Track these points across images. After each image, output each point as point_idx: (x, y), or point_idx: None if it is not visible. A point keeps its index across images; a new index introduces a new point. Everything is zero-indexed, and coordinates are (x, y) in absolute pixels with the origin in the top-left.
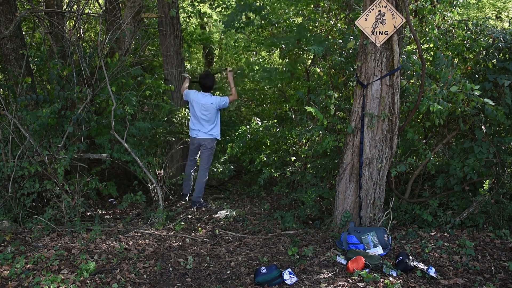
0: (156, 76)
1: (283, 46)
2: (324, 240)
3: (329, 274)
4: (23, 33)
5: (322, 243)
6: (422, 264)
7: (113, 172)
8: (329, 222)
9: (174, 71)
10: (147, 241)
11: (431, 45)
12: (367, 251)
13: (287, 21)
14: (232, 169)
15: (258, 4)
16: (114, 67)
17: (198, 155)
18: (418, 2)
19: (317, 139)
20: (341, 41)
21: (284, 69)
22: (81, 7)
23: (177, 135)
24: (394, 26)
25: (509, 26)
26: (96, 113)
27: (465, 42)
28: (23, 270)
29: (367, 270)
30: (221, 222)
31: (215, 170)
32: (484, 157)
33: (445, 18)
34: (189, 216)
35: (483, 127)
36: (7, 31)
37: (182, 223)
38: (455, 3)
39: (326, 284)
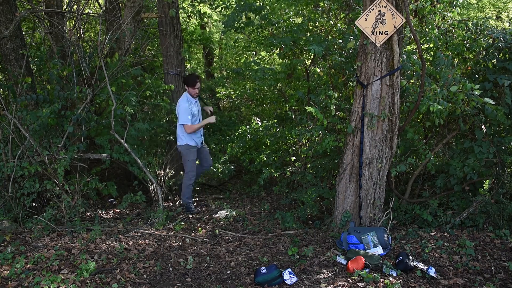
0: (156, 76)
1: (283, 46)
2: (324, 240)
3: (329, 274)
4: (23, 33)
5: (322, 243)
6: (422, 264)
7: (113, 172)
8: (329, 222)
9: (174, 71)
10: (147, 241)
11: (431, 45)
12: (367, 251)
13: (287, 21)
14: (232, 169)
15: (258, 4)
16: (114, 67)
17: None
18: (418, 2)
19: (317, 139)
20: (341, 41)
21: (279, 68)
22: (81, 7)
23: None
24: (394, 26)
25: (509, 26)
26: (96, 113)
27: (465, 42)
28: (23, 270)
29: (367, 270)
30: (221, 222)
31: (215, 170)
32: (484, 157)
33: (445, 18)
34: (189, 216)
35: (483, 127)
36: (7, 31)
37: (182, 223)
38: (455, 3)
39: (326, 284)
